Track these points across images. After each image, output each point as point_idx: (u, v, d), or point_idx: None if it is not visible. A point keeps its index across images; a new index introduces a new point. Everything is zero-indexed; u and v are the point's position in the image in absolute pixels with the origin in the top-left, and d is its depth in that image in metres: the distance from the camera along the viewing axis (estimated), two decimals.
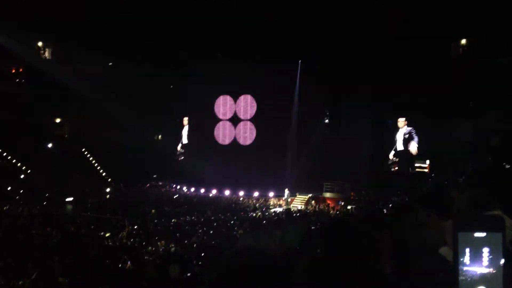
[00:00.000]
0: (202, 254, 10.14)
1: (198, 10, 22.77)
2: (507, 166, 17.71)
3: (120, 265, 9.33)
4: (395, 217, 2.53)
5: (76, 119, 29.60)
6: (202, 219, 17.10)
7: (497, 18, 17.64)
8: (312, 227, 8.80)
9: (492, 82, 18.45)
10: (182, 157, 30.26)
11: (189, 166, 28.03)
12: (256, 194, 25.09)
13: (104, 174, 29.35)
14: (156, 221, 16.38)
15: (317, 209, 21.32)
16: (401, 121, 23.27)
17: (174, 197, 25.27)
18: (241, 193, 25.42)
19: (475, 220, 1.08)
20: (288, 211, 19.04)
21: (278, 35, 22.57)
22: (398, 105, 22.68)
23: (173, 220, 16.87)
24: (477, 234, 1.06)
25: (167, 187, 29.00)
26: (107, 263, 9.46)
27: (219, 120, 30.13)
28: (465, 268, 1.05)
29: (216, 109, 30.15)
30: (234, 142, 29.68)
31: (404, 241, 2.31)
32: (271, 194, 24.70)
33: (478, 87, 19.48)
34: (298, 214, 17.79)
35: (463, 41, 22.40)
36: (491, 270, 1.04)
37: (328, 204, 22.33)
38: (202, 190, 27.04)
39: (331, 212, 20.16)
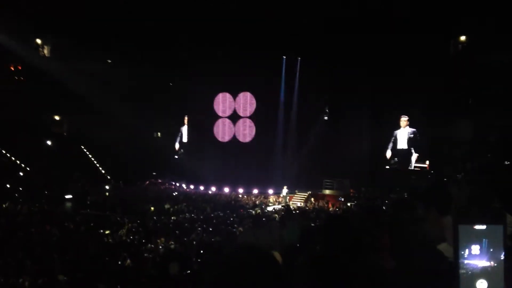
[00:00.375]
0: (201, 252, 10.15)
1: (198, 10, 22.71)
2: (507, 163, 17.73)
3: (119, 263, 9.34)
4: (395, 213, 2.53)
5: (75, 117, 29.54)
6: (201, 217, 17.12)
7: (496, 15, 17.61)
8: (312, 224, 8.80)
9: (492, 79, 18.43)
10: (182, 155, 30.25)
11: (188, 164, 28.04)
12: (255, 191, 25.10)
13: (103, 171, 29.35)
14: (155, 218, 16.40)
15: (316, 206, 21.34)
16: (404, 120, 23.27)
17: (174, 194, 25.29)
18: (241, 190, 25.42)
19: (475, 213, 1.08)
20: (287, 208, 19.04)
21: (278, 34, 22.52)
22: (397, 102, 22.66)
23: (172, 218, 16.88)
24: (477, 227, 1.06)
25: (167, 184, 29.00)
26: (107, 261, 9.48)
27: (218, 117, 30.14)
28: (465, 261, 1.04)
29: (215, 107, 30.14)
30: (234, 139, 29.70)
31: (404, 238, 2.31)
32: (270, 191, 24.71)
33: (477, 84, 19.47)
34: (297, 211, 17.79)
35: (462, 38, 22.36)
36: (491, 263, 1.03)
37: (328, 201, 22.35)
38: (202, 188, 27.04)
39: (331, 209, 20.18)
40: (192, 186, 27.84)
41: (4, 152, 26.32)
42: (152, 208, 18.80)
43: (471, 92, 20.46)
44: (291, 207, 20.54)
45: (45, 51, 30.17)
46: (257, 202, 23.22)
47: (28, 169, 26.09)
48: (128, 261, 9.55)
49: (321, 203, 21.98)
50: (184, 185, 28.41)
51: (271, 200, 23.99)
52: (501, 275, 1.03)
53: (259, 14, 21.45)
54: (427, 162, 22.44)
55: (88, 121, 27.07)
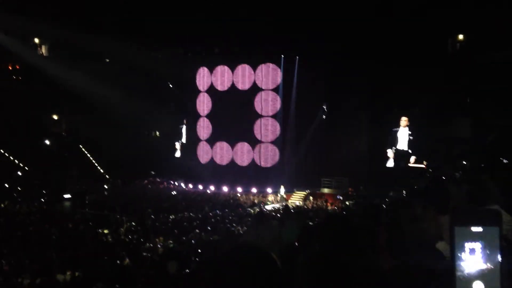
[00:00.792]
0: (200, 251, 10.15)
1: (198, 9, 22.67)
2: (505, 161, 17.75)
3: (118, 262, 9.33)
4: (393, 212, 2.54)
5: (73, 116, 29.50)
6: (200, 215, 17.11)
7: (494, 13, 17.61)
8: (310, 223, 8.80)
9: (490, 78, 18.44)
10: (180, 155, 30.18)
11: (187, 163, 28.00)
12: (254, 190, 25.09)
13: (102, 170, 29.32)
14: (153, 217, 16.38)
15: (315, 205, 21.35)
16: (404, 120, 23.27)
17: (172, 193, 25.28)
18: (239, 189, 25.42)
19: (472, 215, 1.08)
20: (286, 207, 19.04)
21: (277, 32, 22.50)
22: (397, 101, 22.64)
23: (171, 217, 16.86)
24: (474, 229, 1.06)
25: (165, 183, 28.98)
26: (105, 260, 9.47)
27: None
28: (462, 263, 1.04)
29: None
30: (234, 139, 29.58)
31: (402, 236, 2.31)
32: (269, 190, 24.71)
33: (475, 82, 19.47)
34: (296, 210, 17.79)
35: (460, 37, 22.36)
36: (488, 265, 1.03)
37: (326, 199, 22.36)
38: (200, 187, 27.02)
39: (329, 208, 20.18)
40: (190, 185, 27.82)
41: (2, 151, 26.29)
42: (150, 210, 18.77)
43: (469, 91, 20.47)
44: (290, 206, 20.57)
45: (43, 50, 30.11)
46: (255, 201, 23.24)
47: (26, 168, 26.07)
48: (127, 260, 9.54)
49: (319, 202, 21.99)
50: (182, 184, 28.39)
51: (269, 199, 24.00)
52: (497, 277, 1.03)
53: (259, 14, 21.42)
54: (425, 162, 22.44)
55: (87, 121, 27.06)
